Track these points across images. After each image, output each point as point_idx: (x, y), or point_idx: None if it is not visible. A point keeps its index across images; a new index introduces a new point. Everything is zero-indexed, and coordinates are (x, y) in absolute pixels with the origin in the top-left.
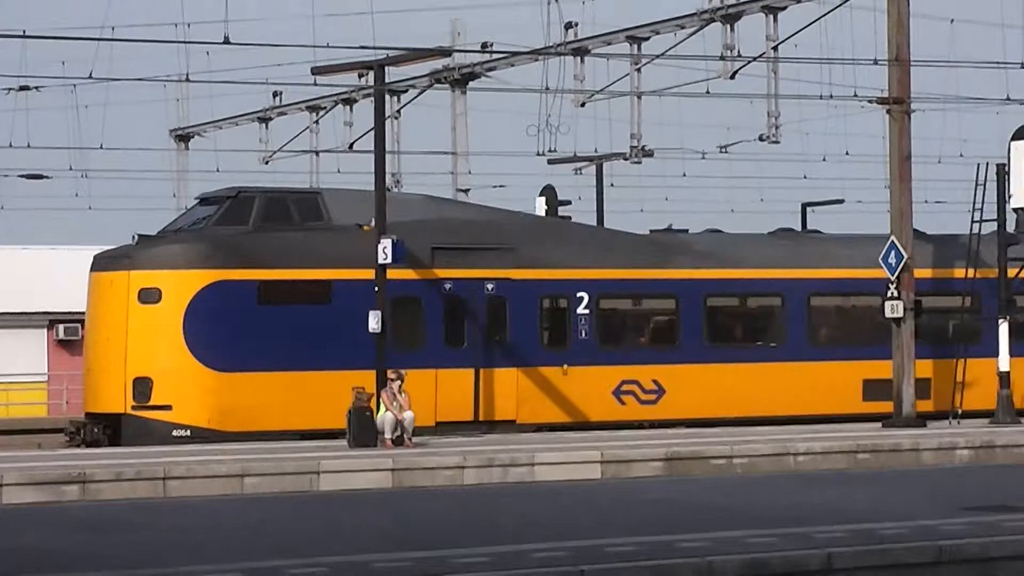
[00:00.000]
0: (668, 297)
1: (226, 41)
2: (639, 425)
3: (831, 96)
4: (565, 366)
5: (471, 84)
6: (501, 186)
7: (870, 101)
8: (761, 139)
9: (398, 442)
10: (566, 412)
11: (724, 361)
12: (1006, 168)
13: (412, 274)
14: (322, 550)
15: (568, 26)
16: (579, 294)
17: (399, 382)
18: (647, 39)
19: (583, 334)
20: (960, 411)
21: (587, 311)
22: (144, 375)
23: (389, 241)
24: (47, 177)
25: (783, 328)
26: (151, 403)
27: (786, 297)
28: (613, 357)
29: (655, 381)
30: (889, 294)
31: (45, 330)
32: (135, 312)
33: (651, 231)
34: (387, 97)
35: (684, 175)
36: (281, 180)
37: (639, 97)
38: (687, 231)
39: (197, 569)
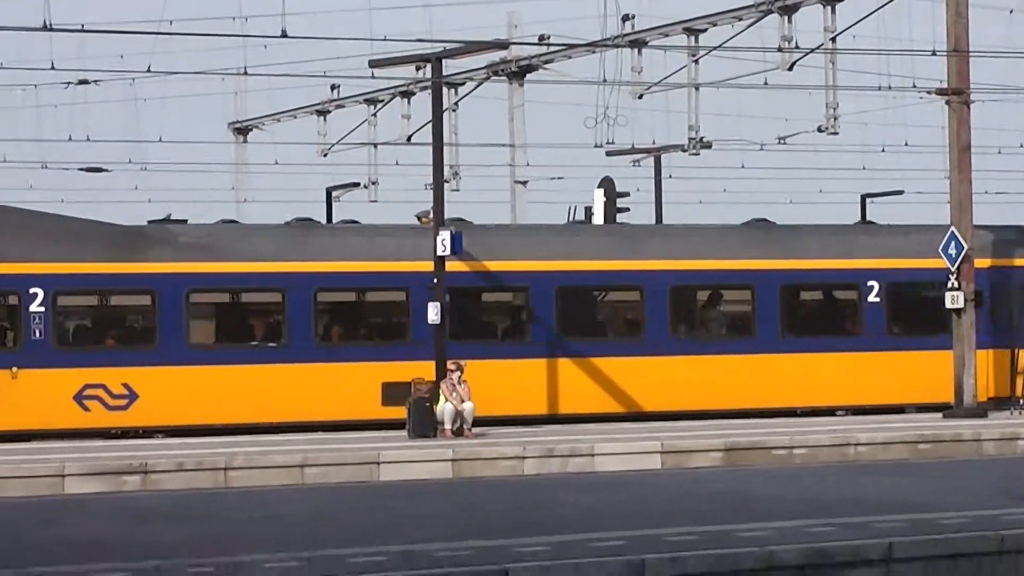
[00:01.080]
0: (144, 294)
1: (284, 35)
2: (108, 434)
3: (890, 87)
4: (14, 368)
5: (528, 76)
6: (560, 178)
7: (929, 92)
8: (820, 130)
9: (458, 432)
10: (17, 419)
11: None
12: None
13: None
14: (383, 539)
15: (625, 18)
16: (32, 290)
17: (459, 373)
18: (704, 31)
19: (37, 334)
20: (1022, 400)
21: (42, 309)
22: None
23: (448, 233)
24: (106, 171)
25: (286, 328)
26: None
27: (288, 295)
28: (73, 359)
29: (126, 385)
30: (949, 284)
31: None
32: None
33: (148, 222)
34: (444, 89)
35: (743, 166)
36: (340, 173)
37: (697, 89)
38: (186, 221)
39: (259, 558)
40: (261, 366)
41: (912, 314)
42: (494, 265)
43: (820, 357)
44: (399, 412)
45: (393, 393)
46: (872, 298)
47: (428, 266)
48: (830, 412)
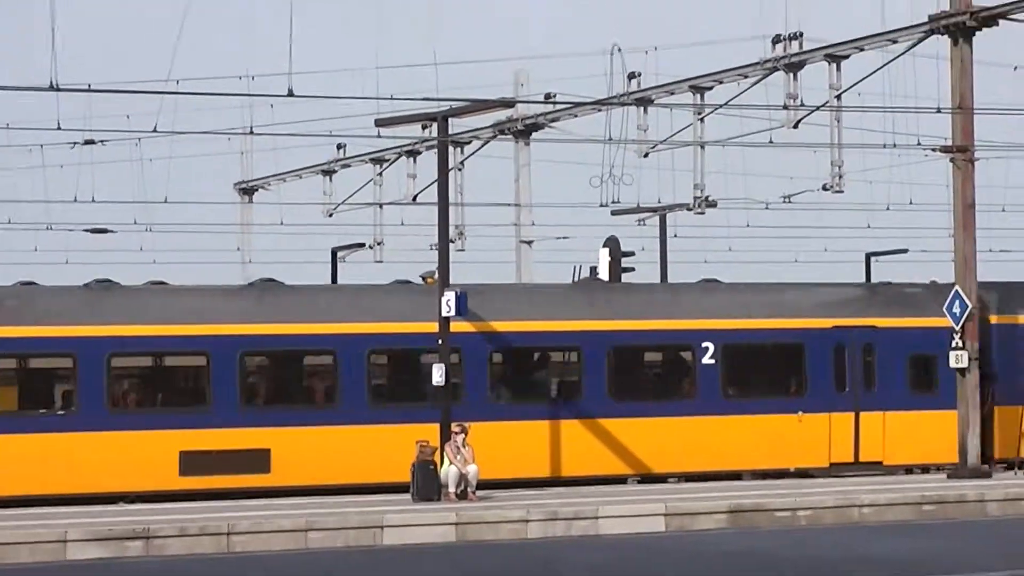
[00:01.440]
0: None
1: (290, 94)
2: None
3: (895, 145)
4: None
5: (534, 135)
6: (565, 237)
7: (934, 149)
8: (825, 188)
9: (462, 495)
10: None
11: None
12: None
13: None
14: None
15: (631, 76)
16: None
17: (463, 435)
18: (710, 88)
19: None
20: None
21: None
22: None
23: (453, 294)
24: (112, 231)
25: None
26: None
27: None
28: None
29: None
30: (953, 344)
31: None
32: None
33: None
34: (450, 148)
35: (748, 225)
36: (345, 233)
37: (702, 147)
38: None
39: None
40: (52, 434)
41: (750, 376)
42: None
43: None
44: (198, 482)
45: (193, 463)
46: (707, 360)
47: (232, 329)
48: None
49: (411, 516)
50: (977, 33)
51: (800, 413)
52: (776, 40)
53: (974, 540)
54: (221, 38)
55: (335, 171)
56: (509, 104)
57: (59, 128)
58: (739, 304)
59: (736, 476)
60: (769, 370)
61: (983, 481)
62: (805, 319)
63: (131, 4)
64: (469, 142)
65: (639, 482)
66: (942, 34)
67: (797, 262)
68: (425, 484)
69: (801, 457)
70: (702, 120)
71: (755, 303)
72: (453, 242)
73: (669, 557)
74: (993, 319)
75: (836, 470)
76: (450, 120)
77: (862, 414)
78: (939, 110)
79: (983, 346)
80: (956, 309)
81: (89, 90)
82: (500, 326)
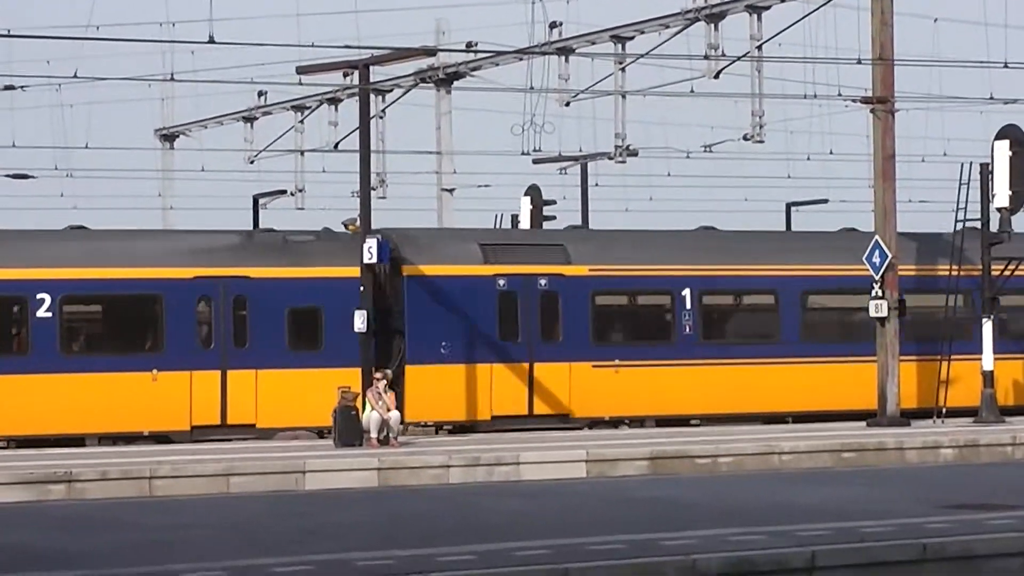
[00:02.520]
0: None
1: (211, 40)
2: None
3: (815, 95)
4: None
5: (456, 84)
6: (486, 185)
7: (854, 100)
8: (745, 138)
9: (384, 441)
10: None
11: None
12: (989, 168)
13: None
14: (307, 548)
15: (552, 25)
16: None
17: (384, 382)
18: (631, 39)
19: None
20: (944, 410)
21: None
22: None
23: (375, 241)
24: (32, 177)
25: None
26: None
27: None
28: None
29: None
30: (874, 293)
31: None
32: None
33: None
34: (372, 96)
35: (669, 174)
36: (267, 180)
37: (623, 96)
38: None
39: (184, 567)
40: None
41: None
42: None
43: None
44: None
45: None
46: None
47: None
48: None
49: (333, 462)
50: None
51: (155, 371)
52: None
53: (892, 487)
54: None
55: (256, 118)
56: (431, 52)
57: None
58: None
59: (80, 441)
60: (122, 324)
61: (902, 429)
62: (162, 268)
63: None
64: (391, 90)
65: None
66: None
67: (717, 212)
68: (347, 430)
69: (157, 420)
70: (623, 70)
71: (99, 251)
72: (375, 189)
73: (586, 503)
74: (406, 271)
75: (199, 434)
76: (371, 68)
77: (230, 373)
78: (859, 61)
79: (393, 303)
80: (876, 259)
81: (8, 35)
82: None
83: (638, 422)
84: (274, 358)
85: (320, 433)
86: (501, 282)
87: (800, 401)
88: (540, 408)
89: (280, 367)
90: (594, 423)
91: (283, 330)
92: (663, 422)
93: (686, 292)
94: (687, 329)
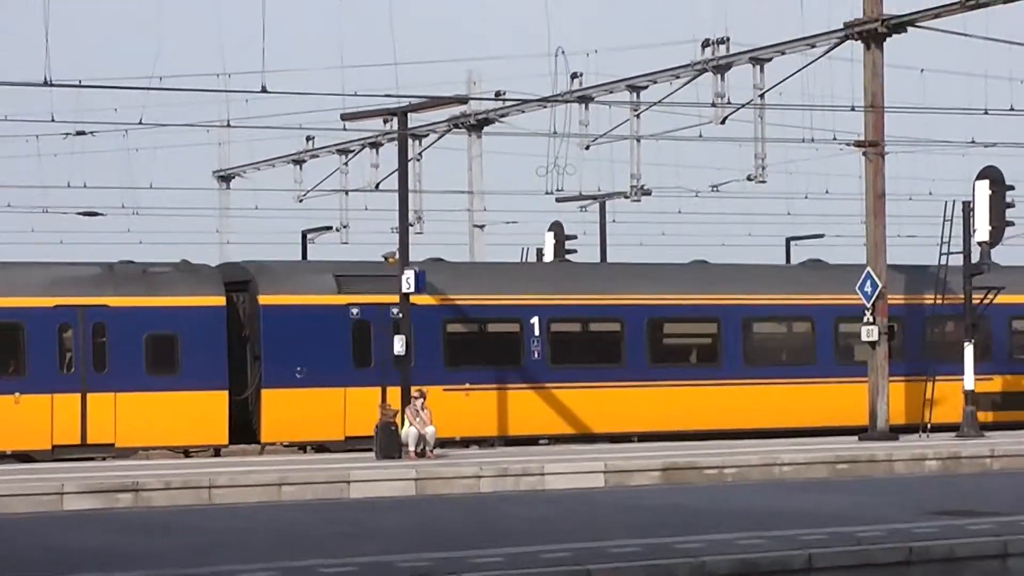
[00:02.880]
0: None
1: (263, 90)
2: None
3: (812, 139)
4: None
5: (486, 129)
6: (514, 222)
7: (848, 144)
8: (749, 179)
9: (420, 454)
10: None
11: None
12: (971, 205)
13: None
14: (352, 551)
15: (574, 76)
16: None
17: (422, 399)
18: (645, 88)
19: None
20: (929, 425)
21: None
22: None
23: (412, 272)
24: (102, 215)
25: None
26: None
27: None
28: None
29: None
30: (865, 319)
31: None
32: None
33: None
34: (410, 141)
35: (679, 212)
36: (314, 217)
37: (638, 140)
38: None
39: (239, 567)
40: None
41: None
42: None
43: None
44: None
45: None
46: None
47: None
48: None
49: (374, 472)
50: (887, 39)
51: (17, 395)
52: (705, 44)
53: (882, 495)
54: (200, 38)
55: (305, 161)
56: (463, 101)
57: (53, 120)
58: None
59: None
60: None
61: (891, 443)
62: (24, 297)
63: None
64: (427, 135)
65: None
66: (856, 40)
67: (724, 246)
68: (387, 443)
69: (20, 440)
70: (638, 116)
71: None
72: (412, 225)
73: (605, 510)
74: (262, 300)
75: (60, 452)
76: (409, 115)
77: (90, 395)
78: (853, 108)
79: (250, 330)
80: (868, 288)
81: (80, 85)
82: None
83: (488, 442)
84: (132, 381)
85: (186, 452)
86: (355, 311)
87: (647, 421)
88: None
89: (138, 390)
90: (444, 443)
91: (141, 355)
92: (511, 442)
93: (534, 320)
94: (535, 355)
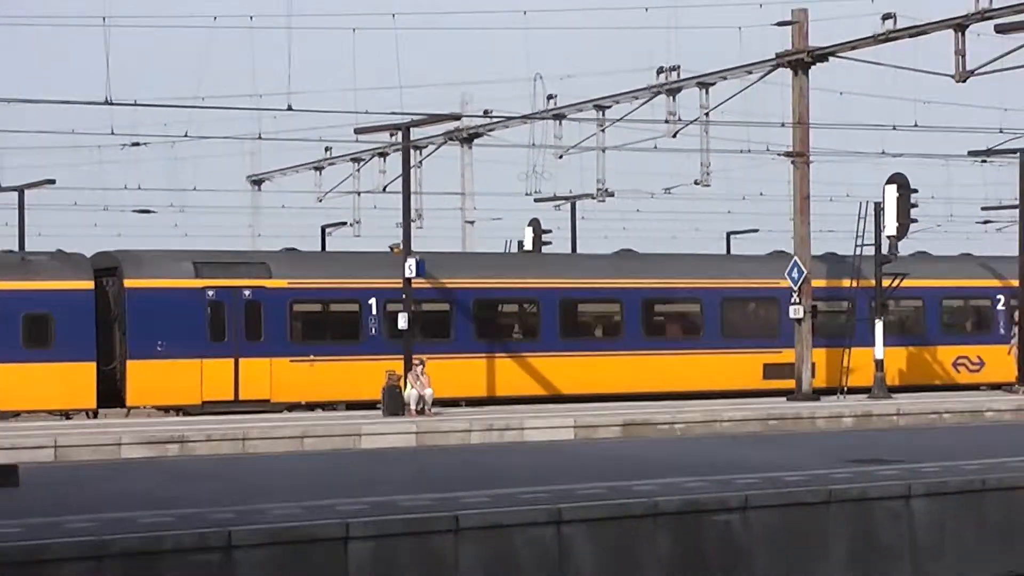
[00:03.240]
0: None
1: (289, 108)
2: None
3: (749, 150)
4: None
5: (476, 141)
6: (499, 219)
7: (779, 154)
8: (696, 183)
9: (420, 411)
10: None
11: None
12: (881, 206)
13: None
14: (363, 493)
15: (549, 97)
16: None
17: (421, 367)
18: (609, 107)
19: None
20: (846, 388)
21: None
22: None
23: (413, 260)
24: (153, 212)
25: None
26: None
27: None
28: None
29: None
30: (792, 300)
31: None
32: None
33: None
34: (412, 151)
35: (638, 211)
36: (332, 215)
37: (603, 151)
38: None
39: (271, 506)
40: None
41: None
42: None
43: None
44: None
45: None
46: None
47: None
48: None
49: (382, 427)
50: (812, 67)
51: None
52: (660, 71)
53: (806, 446)
54: (236, 64)
55: (324, 167)
56: (457, 118)
57: (112, 133)
58: None
59: None
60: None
61: (813, 403)
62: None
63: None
64: (426, 146)
65: None
66: (786, 67)
67: (675, 238)
68: (392, 403)
69: None
70: (603, 131)
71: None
72: (414, 222)
73: (574, 459)
74: (127, 284)
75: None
76: (411, 129)
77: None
78: (783, 124)
79: (117, 310)
80: (795, 274)
81: (135, 104)
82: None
83: (331, 406)
84: (10, 355)
85: (66, 415)
86: (210, 293)
87: (471, 387)
88: (245, 395)
89: (16, 362)
90: (292, 407)
91: (18, 332)
92: (352, 406)
93: (372, 301)
94: (372, 331)
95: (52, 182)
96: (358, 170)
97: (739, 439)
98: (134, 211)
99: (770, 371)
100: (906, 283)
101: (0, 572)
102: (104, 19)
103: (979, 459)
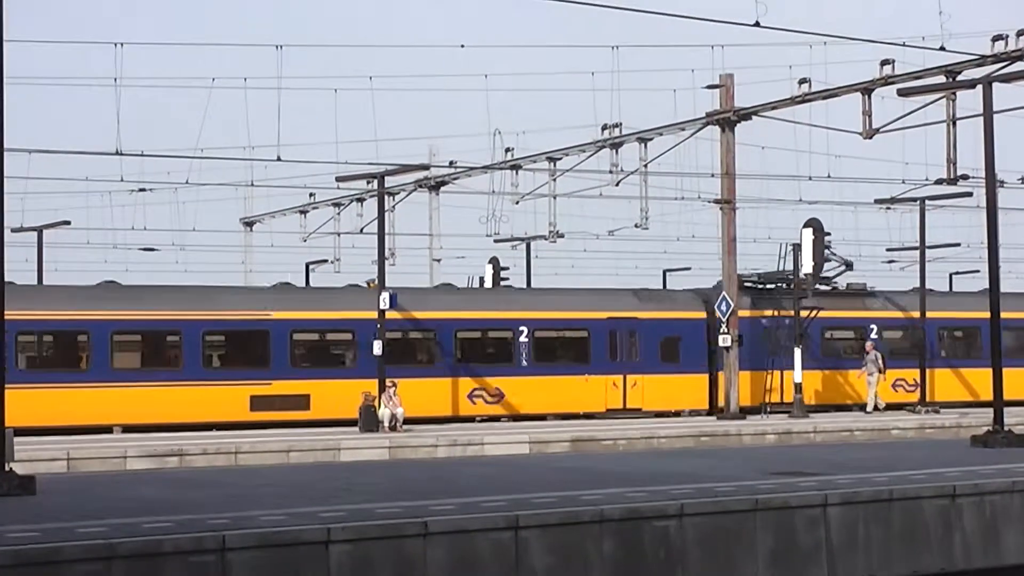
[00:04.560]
0: None
1: (278, 159)
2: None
3: (683, 197)
4: None
5: (443, 188)
6: (462, 257)
7: (709, 201)
8: (636, 226)
9: (393, 428)
10: None
11: None
12: (798, 247)
13: None
14: (342, 501)
15: (507, 150)
16: None
17: (393, 388)
18: (560, 159)
19: None
20: (768, 407)
21: None
22: None
23: (387, 294)
24: (158, 250)
25: None
26: None
27: None
28: None
29: None
30: (721, 330)
31: None
32: None
33: None
34: (386, 197)
35: (584, 250)
36: (315, 253)
37: (555, 197)
38: None
39: (259, 512)
40: None
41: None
42: None
43: None
44: None
45: None
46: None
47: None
48: None
49: (359, 442)
50: (738, 124)
51: None
52: (604, 127)
53: (734, 460)
54: (231, 119)
55: (308, 211)
56: (425, 167)
57: (122, 180)
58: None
59: None
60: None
61: (740, 421)
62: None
63: (171, 93)
64: (399, 192)
65: None
66: (715, 125)
67: (616, 275)
68: (368, 420)
69: None
70: (555, 179)
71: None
72: (387, 259)
73: (529, 471)
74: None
75: None
76: (386, 178)
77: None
78: (712, 175)
79: None
80: (723, 307)
81: (142, 155)
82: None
83: (135, 428)
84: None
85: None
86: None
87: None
88: None
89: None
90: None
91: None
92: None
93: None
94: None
95: (68, 223)
96: (339, 214)
97: (675, 453)
98: (140, 249)
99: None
100: (822, 314)
101: (20, 572)
102: (116, 79)
103: (887, 472)
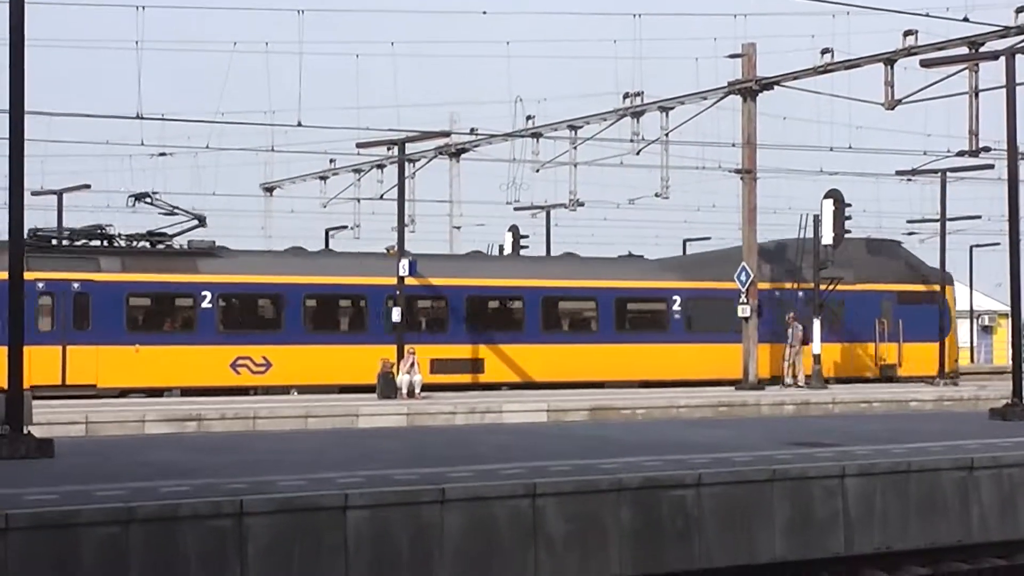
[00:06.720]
0: None
1: (299, 124)
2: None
3: (704, 167)
4: None
5: (463, 156)
6: (482, 224)
7: (730, 171)
8: (657, 195)
9: (411, 395)
10: None
11: None
12: (819, 218)
13: None
14: (360, 467)
15: (528, 117)
16: None
17: (413, 355)
18: (581, 127)
19: None
20: (787, 379)
21: None
22: None
23: (407, 260)
24: (177, 213)
25: None
26: None
27: None
28: None
29: None
30: (740, 300)
31: None
32: None
33: None
34: (406, 163)
35: (605, 219)
36: (334, 219)
37: (575, 166)
38: None
39: (278, 477)
40: None
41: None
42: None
43: None
44: None
45: None
46: None
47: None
48: None
49: (377, 408)
50: (760, 94)
51: None
52: (625, 96)
53: (752, 430)
54: (253, 84)
55: (328, 177)
56: (446, 135)
57: (142, 144)
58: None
59: None
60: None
61: (759, 392)
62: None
63: (193, 57)
64: (419, 159)
65: None
66: (737, 94)
67: (637, 244)
68: (386, 387)
69: None
70: (575, 148)
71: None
72: (407, 226)
73: (547, 439)
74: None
75: None
76: (406, 144)
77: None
78: (733, 145)
79: None
80: (743, 277)
81: (163, 119)
82: None
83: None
84: None
85: None
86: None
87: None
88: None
89: None
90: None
91: None
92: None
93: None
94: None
95: (88, 187)
96: (358, 180)
97: (694, 423)
98: (160, 214)
99: None
100: (841, 286)
101: (38, 534)
102: (137, 43)
103: (905, 443)
